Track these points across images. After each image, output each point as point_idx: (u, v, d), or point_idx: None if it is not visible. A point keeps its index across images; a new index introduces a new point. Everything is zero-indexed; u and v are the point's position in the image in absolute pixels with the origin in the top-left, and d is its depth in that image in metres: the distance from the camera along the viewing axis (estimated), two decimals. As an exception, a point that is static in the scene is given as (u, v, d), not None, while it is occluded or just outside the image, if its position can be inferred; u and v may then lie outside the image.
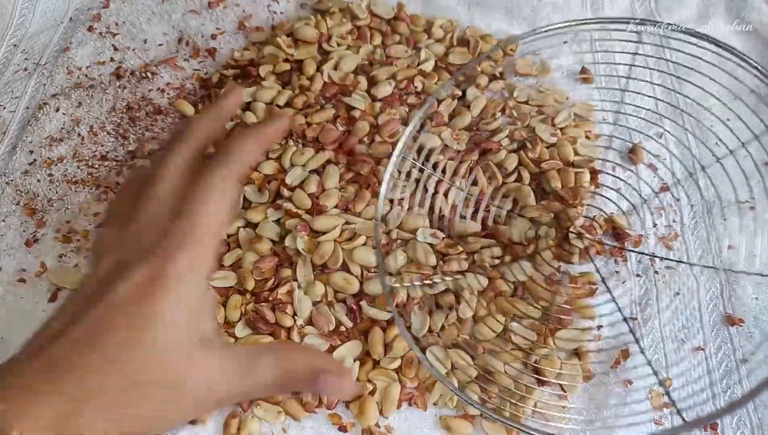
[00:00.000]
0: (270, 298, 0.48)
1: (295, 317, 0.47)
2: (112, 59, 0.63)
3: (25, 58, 0.64)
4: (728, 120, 0.58)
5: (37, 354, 0.34)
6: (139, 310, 0.34)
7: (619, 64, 0.62)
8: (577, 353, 0.47)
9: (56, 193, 0.55)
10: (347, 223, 0.50)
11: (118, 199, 0.44)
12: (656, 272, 0.51)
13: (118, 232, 0.39)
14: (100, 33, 0.65)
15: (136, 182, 0.42)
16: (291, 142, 0.53)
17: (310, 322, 0.48)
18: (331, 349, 0.47)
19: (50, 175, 0.55)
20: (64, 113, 0.59)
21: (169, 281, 0.34)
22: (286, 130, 0.46)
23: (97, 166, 0.56)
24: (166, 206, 0.38)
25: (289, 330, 0.47)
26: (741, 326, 0.48)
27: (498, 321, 0.47)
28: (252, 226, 0.51)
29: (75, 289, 0.40)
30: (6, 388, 0.32)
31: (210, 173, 0.39)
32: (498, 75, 0.61)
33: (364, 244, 0.49)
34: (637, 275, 0.51)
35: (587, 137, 0.56)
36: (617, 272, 0.51)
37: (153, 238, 0.36)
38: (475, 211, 0.51)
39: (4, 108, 0.61)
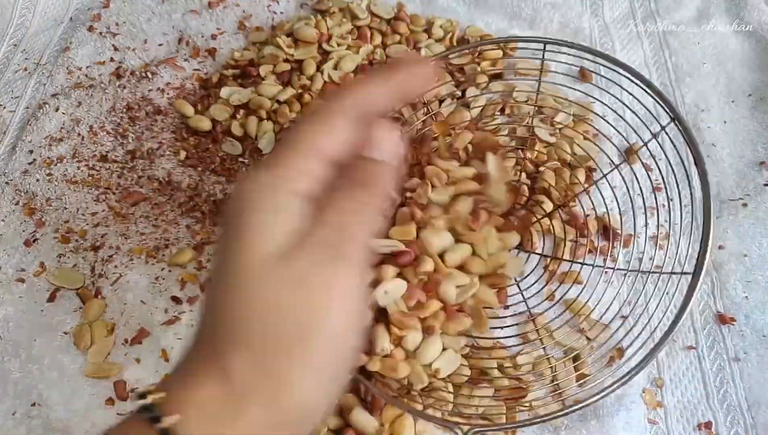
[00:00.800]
0: None
1: None
2: (112, 59, 0.64)
3: (26, 58, 0.65)
4: (725, 122, 0.58)
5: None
6: (220, 247, 0.33)
7: (618, 64, 0.62)
8: (574, 358, 0.47)
9: (55, 193, 0.55)
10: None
11: None
12: (643, 272, 0.51)
13: None
14: (100, 33, 0.65)
15: None
16: None
17: None
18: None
19: (49, 174, 0.56)
20: (63, 113, 0.59)
21: (233, 210, 0.32)
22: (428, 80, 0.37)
23: (97, 166, 0.56)
24: None
25: None
26: (733, 325, 0.48)
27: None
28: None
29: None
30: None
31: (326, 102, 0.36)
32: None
33: None
34: (625, 275, 0.51)
35: (585, 138, 0.57)
36: (605, 273, 0.51)
37: None
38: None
39: (4, 108, 0.61)
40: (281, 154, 0.34)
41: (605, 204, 0.53)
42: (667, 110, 0.45)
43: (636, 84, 0.47)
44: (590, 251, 0.51)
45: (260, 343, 0.31)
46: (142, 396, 0.30)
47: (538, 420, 0.42)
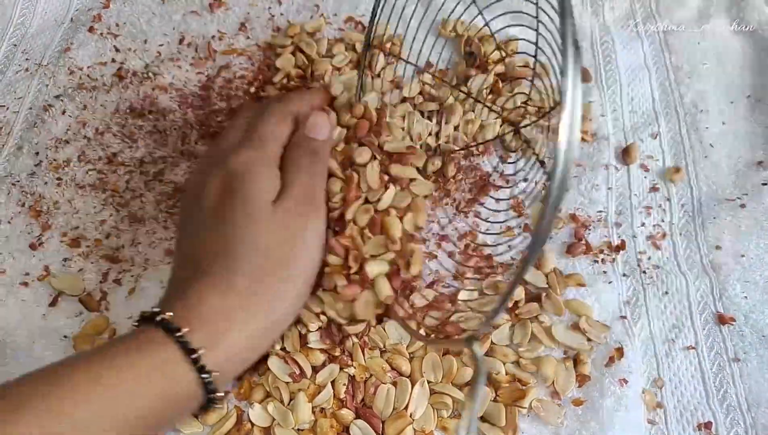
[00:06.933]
0: None
1: None
2: (113, 60, 0.64)
3: (26, 59, 0.65)
4: (723, 123, 0.58)
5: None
6: (229, 207, 0.43)
7: (618, 63, 0.62)
8: (574, 359, 0.47)
9: (62, 195, 0.55)
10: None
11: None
12: (644, 272, 0.51)
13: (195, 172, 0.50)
14: (101, 34, 0.66)
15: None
16: None
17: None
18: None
19: (57, 177, 0.56)
20: (70, 115, 0.59)
21: (243, 178, 0.44)
22: (324, 101, 0.53)
23: (104, 169, 0.57)
24: (234, 137, 0.48)
25: None
26: (732, 325, 0.49)
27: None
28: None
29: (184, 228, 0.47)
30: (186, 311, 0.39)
31: (268, 107, 0.50)
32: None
33: None
34: (624, 275, 0.51)
35: (583, 138, 0.57)
36: (604, 272, 0.51)
37: (223, 154, 0.46)
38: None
39: (8, 108, 0.61)
40: (262, 139, 0.46)
41: (601, 203, 0.53)
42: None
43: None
44: (585, 252, 0.52)
45: (257, 268, 0.41)
46: (147, 317, 0.39)
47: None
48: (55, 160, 0.57)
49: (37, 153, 0.57)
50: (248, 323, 0.40)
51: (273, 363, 0.46)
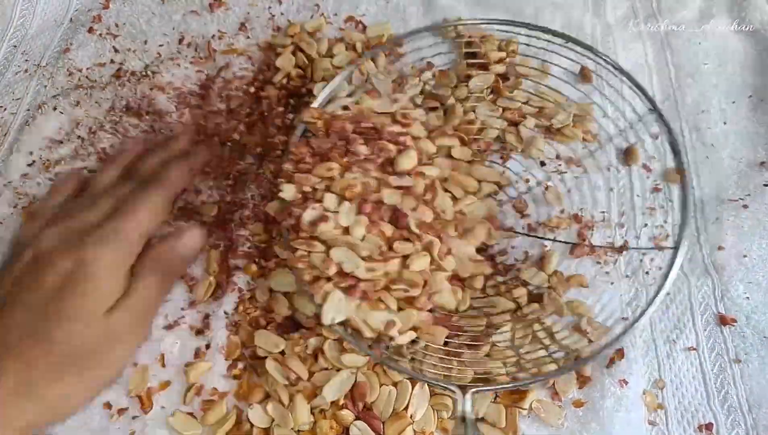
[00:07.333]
0: None
1: None
2: (112, 60, 0.64)
3: (26, 60, 0.65)
4: (725, 123, 0.58)
5: None
6: (62, 302, 0.41)
7: (620, 63, 0.62)
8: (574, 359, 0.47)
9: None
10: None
11: (49, 197, 0.51)
12: (647, 273, 0.51)
13: (42, 227, 0.46)
14: (101, 34, 0.65)
15: (69, 184, 0.51)
16: None
17: None
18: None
19: (49, 178, 0.56)
20: (61, 112, 0.59)
21: (89, 275, 0.42)
22: (208, 162, 0.54)
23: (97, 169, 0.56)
24: (99, 211, 0.45)
25: None
26: (734, 326, 0.48)
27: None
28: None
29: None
30: None
31: (144, 190, 0.48)
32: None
33: None
34: (627, 276, 0.51)
35: (584, 139, 0.56)
36: (606, 273, 0.51)
37: (79, 233, 0.44)
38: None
39: (5, 109, 0.61)
40: (122, 238, 0.44)
41: (603, 204, 0.53)
42: (644, 100, 0.51)
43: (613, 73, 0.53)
44: (589, 253, 0.51)
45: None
46: None
47: (541, 378, 0.44)
48: (48, 160, 0.57)
49: (31, 153, 0.57)
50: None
51: (270, 366, 0.46)
